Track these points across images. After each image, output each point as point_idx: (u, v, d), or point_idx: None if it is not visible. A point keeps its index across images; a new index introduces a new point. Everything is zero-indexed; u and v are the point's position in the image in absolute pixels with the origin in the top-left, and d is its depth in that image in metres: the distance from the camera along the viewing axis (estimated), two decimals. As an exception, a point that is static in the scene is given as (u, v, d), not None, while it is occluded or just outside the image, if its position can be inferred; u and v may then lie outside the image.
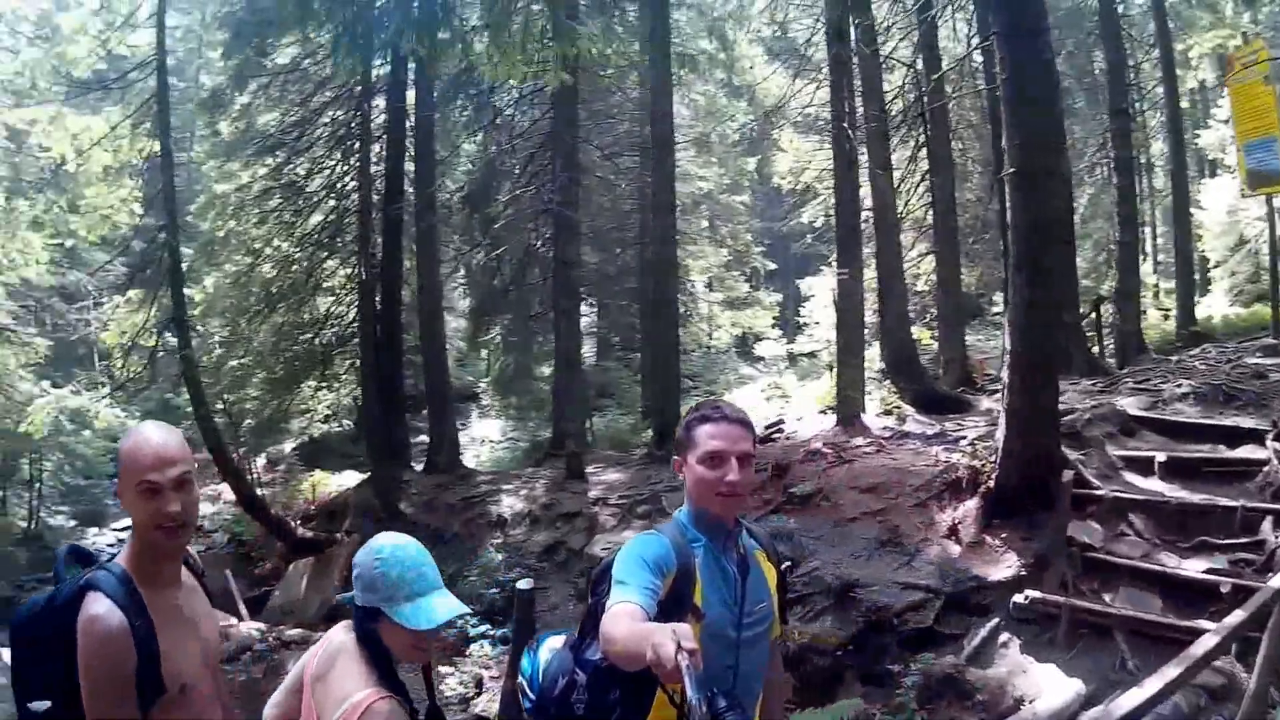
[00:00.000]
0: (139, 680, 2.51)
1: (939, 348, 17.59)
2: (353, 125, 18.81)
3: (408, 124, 18.80)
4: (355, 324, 19.62)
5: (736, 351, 26.94)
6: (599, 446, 19.97)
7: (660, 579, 2.59)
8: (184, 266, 20.27)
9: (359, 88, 18.50)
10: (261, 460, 24.41)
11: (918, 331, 18.05)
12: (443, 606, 2.77)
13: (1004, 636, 8.20)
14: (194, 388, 17.17)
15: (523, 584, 9.26)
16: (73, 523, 22.75)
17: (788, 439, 16.42)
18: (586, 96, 19.71)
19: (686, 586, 2.65)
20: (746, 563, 2.84)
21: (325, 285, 20.26)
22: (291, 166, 19.67)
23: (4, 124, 18.22)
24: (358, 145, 19.04)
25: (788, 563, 3.07)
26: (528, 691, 3.01)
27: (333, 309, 20.41)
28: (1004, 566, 8.80)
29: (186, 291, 19.91)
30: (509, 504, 15.81)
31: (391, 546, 2.84)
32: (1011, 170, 8.87)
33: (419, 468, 19.32)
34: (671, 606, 2.57)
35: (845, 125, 13.72)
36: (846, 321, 14.57)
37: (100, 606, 2.51)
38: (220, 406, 19.76)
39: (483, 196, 19.72)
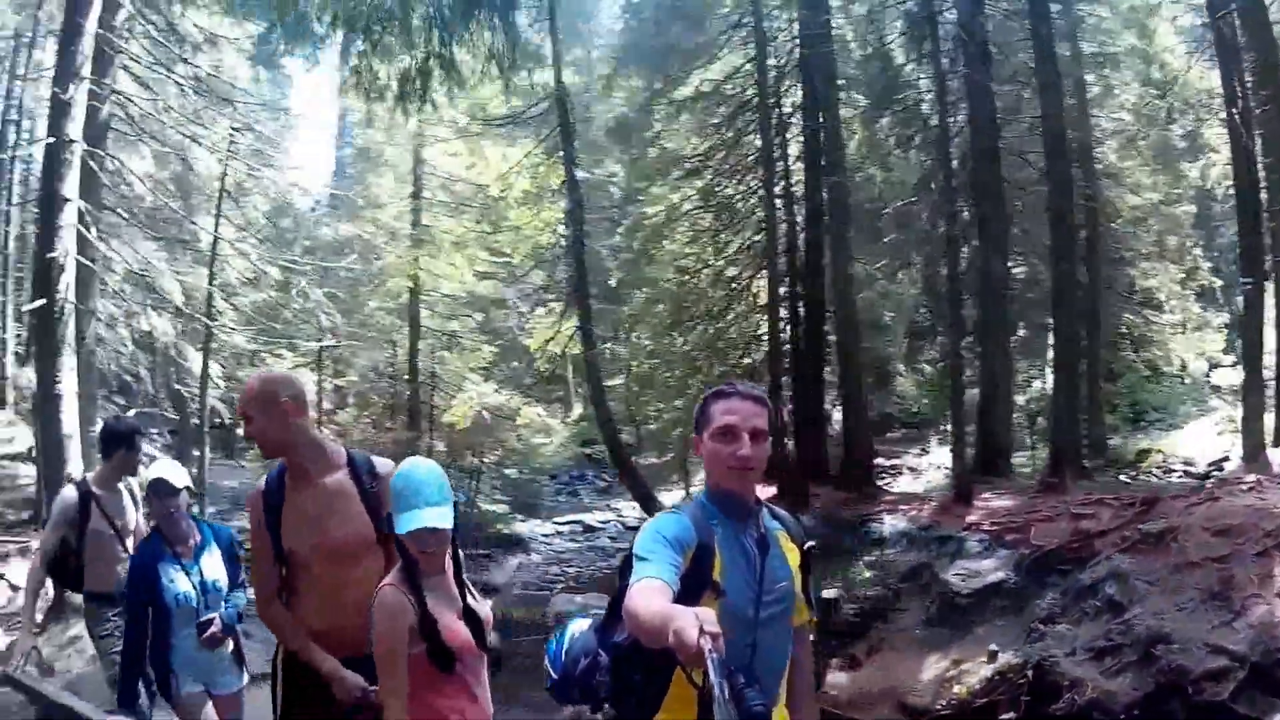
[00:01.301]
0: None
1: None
2: (772, 145, 19.19)
3: (823, 141, 18.82)
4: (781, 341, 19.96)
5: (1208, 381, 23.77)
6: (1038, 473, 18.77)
7: (681, 555, 2.62)
8: (613, 282, 22.01)
9: (776, 110, 18.81)
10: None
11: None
12: (419, 519, 3.17)
13: (1304, 731, 6.79)
14: (596, 391, 18.53)
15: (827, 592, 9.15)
16: (505, 509, 24.43)
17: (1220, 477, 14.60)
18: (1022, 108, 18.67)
19: (706, 563, 2.68)
20: (766, 542, 2.83)
21: (762, 303, 20.87)
22: (721, 186, 20.20)
23: (441, 154, 21.09)
24: (779, 166, 19.29)
25: (810, 543, 2.95)
26: (551, 672, 3.09)
27: (761, 325, 20.82)
28: (1325, 641, 7.26)
29: (618, 307, 21.59)
30: (892, 523, 15.40)
31: (408, 466, 3.32)
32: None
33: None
34: (692, 583, 2.60)
35: (1235, 111, 11.81)
36: (1250, 340, 12.56)
37: (259, 483, 3.83)
38: (638, 410, 21.17)
39: (912, 211, 19.31)
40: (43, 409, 13.53)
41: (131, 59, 17.04)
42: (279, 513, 3.71)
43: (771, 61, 18.60)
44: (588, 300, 19.15)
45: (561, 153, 18.40)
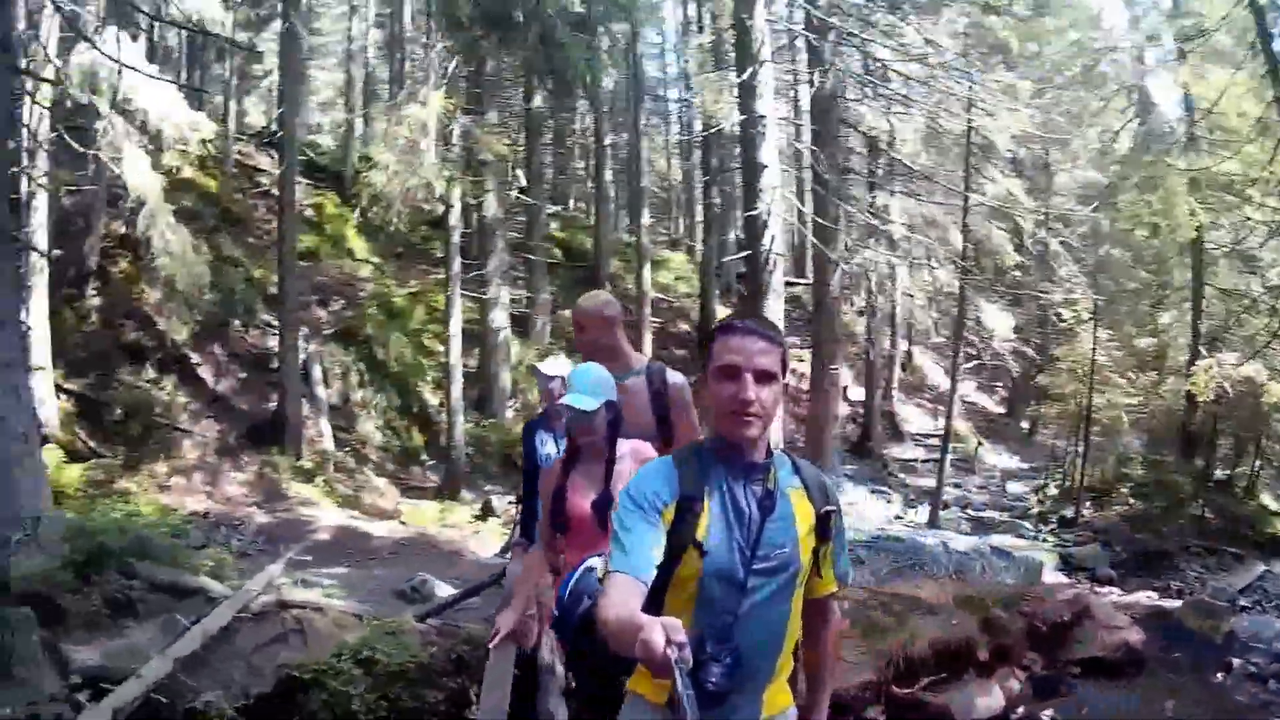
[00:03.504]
0: None
1: None
2: None
3: None
4: None
5: None
6: None
7: (660, 515, 2.44)
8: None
9: None
10: None
11: None
12: (566, 399, 3.99)
13: None
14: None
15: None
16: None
17: None
18: None
19: (690, 517, 2.46)
20: (772, 500, 2.52)
21: None
22: None
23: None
24: None
25: (830, 507, 2.62)
26: (553, 608, 3.23)
27: None
28: None
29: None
30: None
31: (577, 367, 4.26)
32: None
33: None
34: (674, 540, 2.44)
35: None
36: None
37: None
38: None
39: None
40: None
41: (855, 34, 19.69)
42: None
43: None
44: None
45: (1264, 65, 15.46)
